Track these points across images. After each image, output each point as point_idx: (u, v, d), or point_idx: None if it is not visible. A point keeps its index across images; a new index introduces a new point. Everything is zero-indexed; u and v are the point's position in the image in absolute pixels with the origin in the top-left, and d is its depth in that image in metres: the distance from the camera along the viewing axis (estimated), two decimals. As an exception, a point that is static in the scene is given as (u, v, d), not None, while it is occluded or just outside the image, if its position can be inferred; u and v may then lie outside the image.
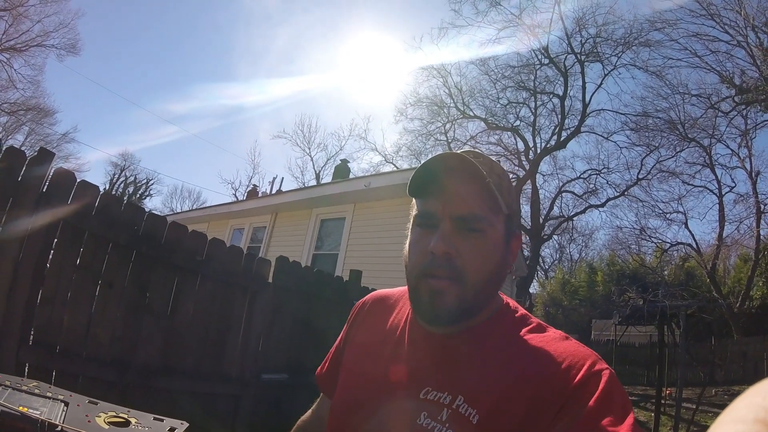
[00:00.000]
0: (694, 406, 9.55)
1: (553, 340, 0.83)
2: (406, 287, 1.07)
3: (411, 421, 0.81)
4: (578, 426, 0.67)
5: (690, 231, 21.10)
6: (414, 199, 0.93)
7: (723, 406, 0.32)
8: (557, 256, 37.06)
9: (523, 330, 0.87)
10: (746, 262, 21.12)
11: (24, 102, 28.22)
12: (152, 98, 63.48)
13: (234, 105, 54.32)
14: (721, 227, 19.87)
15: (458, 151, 0.90)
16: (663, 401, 10.23)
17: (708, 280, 20.00)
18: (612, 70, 19.82)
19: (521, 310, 0.93)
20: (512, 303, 0.95)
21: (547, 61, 20.30)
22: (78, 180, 2.83)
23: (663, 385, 10.30)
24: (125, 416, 0.99)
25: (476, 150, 0.94)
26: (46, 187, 2.68)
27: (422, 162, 0.89)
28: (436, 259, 0.84)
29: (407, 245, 0.92)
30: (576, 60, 19.83)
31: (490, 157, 0.95)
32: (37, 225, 2.61)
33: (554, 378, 0.75)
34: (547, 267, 36.31)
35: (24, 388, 0.95)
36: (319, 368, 1.21)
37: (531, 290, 23.85)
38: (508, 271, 0.93)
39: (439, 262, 0.83)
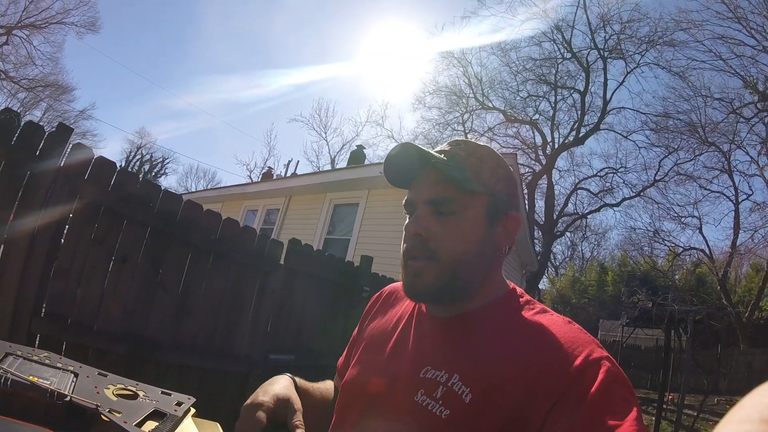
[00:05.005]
0: (696, 413, 9.53)
1: (554, 324, 0.83)
2: None
3: (408, 398, 0.84)
4: (577, 426, 0.66)
5: (704, 236, 20.91)
6: None
7: (724, 416, 0.32)
8: (569, 253, 36.76)
9: (525, 313, 0.88)
10: (758, 272, 20.92)
11: (42, 78, 28.31)
12: (170, 79, 63.76)
13: (252, 91, 54.36)
14: (736, 235, 19.68)
15: (447, 144, 0.97)
16: (665, 406, 10.19)
17: (719, 287, 19.82)
18: (635, 68, 19.59)
19: (527, 296, 0.94)
20: (519, 290, 0.96)
21: (569, 55, 20.10)
22: (95, 156, 2.85)
23: (666, 390, 10.26)
24: (134, 389, 1.01)
25: (464, 139, 0.97)
26: (63, 161, 2.70)
27: (386, 156, 0.95)
28: (413, 241, 0.89)
29: None
30: (599, 56, 19.60)
31: (483, 143, 0.99)
32: (54, 199, 2.65)
33: (551, 365, 0.75)
34: (558, 264, 36.12)
35: (35, 358, 0.97)
36: (340, 359, 1.24)
37: (540, 286, 23.78)
38: (499, 251, 0.94)
39: (414, 244, 0.89)
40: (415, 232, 0.89)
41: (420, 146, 0.91)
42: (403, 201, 0.96)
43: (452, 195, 0.88)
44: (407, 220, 0.94)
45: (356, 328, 1.21)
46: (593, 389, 0.69)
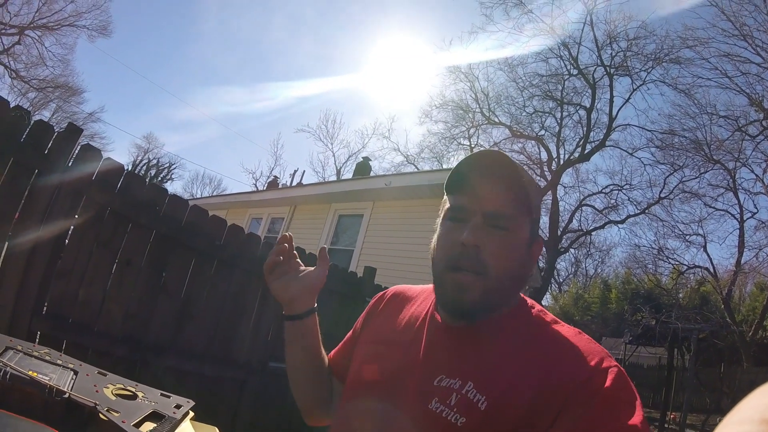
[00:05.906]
0: (698, 433, 9.43)
1: (564, 335, 0.84)
2: (426, 286, 1.11)
3: (422, 406, 0.83)
4: (580, 426, 0.68)
5: (708, 255, 20.64)
6: (446, 196, 0.96)
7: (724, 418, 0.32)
8: (572, 270, 36.54)
9: (537, 323, 0.88)
10: (763, 291, 20.73)
11: (53, 79, 28.42)
12: (179, 87, 64.17)
13: (261, 104, 54.66)
14: (740, 253, 19.45)
15: (495, 149, 0.94)
16: (666, 425, 10.12)
17: (722, 305, 19.64)
18: (641, 85, 19.52)
19: (538, 307, 0.94)
20: (530, 301, 0.96)
21: (575, 71, 20.08)
22: (103, 158, 2.86)
23: (668, 409, 10.18)
24: (133, 389, 1.01)
25: (510, 159, 0.95)
26: (71, 162, 2.71)
27: (463, 157, 0.93)
28: (464, 251, 0.87)
29: (435, 238, 0.95)
30: (605, 72, 19.58)
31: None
32: (60, 200, 2.65)
33: (559, 372, 0.76)
34: (561, 280, 35.94)
35: (35, 353, 0.97)
36: (332, 352, 1.25)
37: (543, 303, 23.66)
38: (530, 274, 0.95)
39: (467, 254, 0.86)
40: (472, 243, 0.86)
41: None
42: (451, 205, 0.94)
43: (512, 212, 0.88)
44: (444, 225, 0.93)
45: (356, 324, 1.22)
46: (600, 395, 0.70)
